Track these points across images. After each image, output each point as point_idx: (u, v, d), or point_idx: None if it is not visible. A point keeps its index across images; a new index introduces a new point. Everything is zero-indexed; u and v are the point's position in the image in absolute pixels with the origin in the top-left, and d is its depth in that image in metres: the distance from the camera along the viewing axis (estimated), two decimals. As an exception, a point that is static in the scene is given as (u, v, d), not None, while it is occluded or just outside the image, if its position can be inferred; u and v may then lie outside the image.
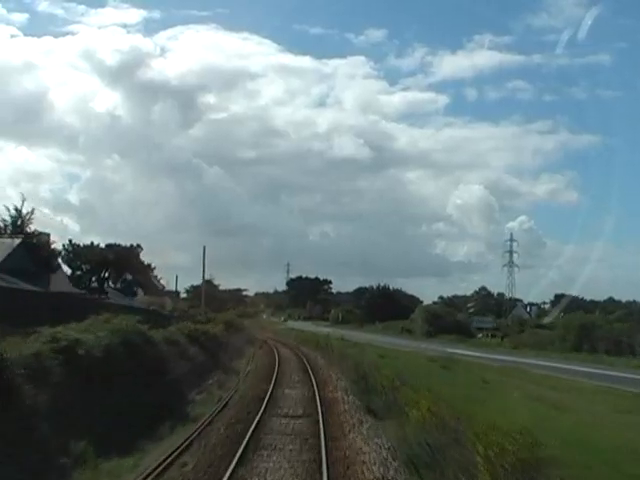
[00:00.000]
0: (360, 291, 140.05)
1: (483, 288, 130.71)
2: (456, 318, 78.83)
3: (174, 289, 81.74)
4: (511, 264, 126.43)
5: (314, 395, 22.61)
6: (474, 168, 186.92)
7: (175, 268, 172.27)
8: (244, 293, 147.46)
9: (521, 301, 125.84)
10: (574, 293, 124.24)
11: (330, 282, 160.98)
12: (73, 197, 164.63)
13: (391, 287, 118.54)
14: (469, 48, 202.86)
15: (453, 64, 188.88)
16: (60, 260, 41.77)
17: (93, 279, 42.68)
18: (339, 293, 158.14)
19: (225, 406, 20.58)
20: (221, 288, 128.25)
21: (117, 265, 42.35)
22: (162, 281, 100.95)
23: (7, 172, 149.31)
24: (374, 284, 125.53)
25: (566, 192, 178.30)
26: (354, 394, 22.53)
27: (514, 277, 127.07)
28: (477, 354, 45.48)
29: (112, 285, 43.82)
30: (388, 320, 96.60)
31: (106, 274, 43.16)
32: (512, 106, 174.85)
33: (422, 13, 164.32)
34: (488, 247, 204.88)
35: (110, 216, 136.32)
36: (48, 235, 38.17)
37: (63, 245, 42.74)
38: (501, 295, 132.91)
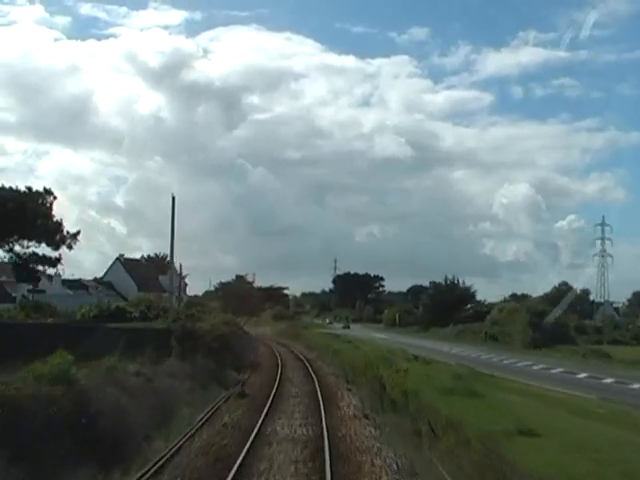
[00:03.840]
0: (414, 290, 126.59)
1: (564, 283, 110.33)
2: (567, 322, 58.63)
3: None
4: (603, 254, 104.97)
5: None
6: (521, 167, 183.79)
7: (220, 269, 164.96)
8: (285, 292, 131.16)
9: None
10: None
11: (382, 278, 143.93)
12: (119, 200, 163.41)
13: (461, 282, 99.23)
14: (513, 45, 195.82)
15: (497, 62, 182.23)
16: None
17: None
18: (390, 293, 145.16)
19: None
20: (256, 285, 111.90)
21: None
22: (186, 279, 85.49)
23: (53, 175, 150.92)
24: (429, 282, 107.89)
25: (615, 190, 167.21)
26: None
27: (607, 270, 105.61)
28: None
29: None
30: (457, 323, 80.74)
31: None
32: (559, 104, 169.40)
33: (465, 10, 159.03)
34: (536, 246, 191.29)
35: (156, 218, 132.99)
36: None
37: None
38: (585, 292, 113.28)
